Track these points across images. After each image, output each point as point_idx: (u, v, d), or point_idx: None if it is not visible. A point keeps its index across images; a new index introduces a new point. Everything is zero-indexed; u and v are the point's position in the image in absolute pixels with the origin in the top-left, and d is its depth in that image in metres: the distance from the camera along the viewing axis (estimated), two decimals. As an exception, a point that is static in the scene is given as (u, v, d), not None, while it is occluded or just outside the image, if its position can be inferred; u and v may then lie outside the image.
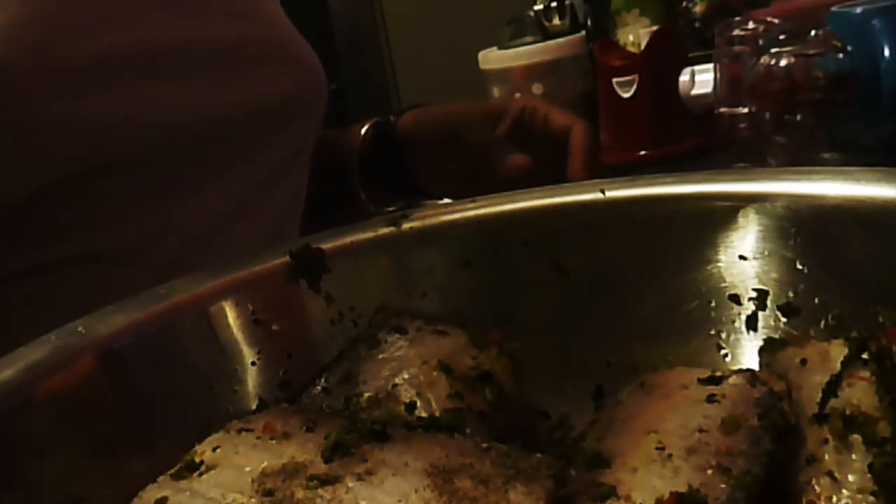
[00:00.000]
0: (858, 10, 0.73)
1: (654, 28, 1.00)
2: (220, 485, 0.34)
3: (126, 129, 0.59)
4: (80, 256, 0.60)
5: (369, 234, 0.50)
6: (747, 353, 0.43)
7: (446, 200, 0.70)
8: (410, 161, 0.81)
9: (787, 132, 0.75)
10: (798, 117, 0.74)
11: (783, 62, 0.74)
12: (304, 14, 0.88)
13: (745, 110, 0.79)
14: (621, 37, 1.05)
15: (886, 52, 0.70)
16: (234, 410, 0.43)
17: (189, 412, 0.42)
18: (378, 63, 2.25)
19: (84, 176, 0.58)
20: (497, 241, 0.49)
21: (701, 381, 0.38)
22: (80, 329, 0.42)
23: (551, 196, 0.49)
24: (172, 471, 0.36)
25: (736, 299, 0.44)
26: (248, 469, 0.35)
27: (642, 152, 0.96)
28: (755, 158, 0.78)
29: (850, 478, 0.32)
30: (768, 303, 0.43)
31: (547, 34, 1.15)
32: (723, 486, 0.32)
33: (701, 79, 0.89)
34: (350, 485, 0.33)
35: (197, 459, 0.36)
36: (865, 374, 0.34)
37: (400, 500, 0.32)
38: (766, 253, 0.43)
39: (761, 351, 0.41)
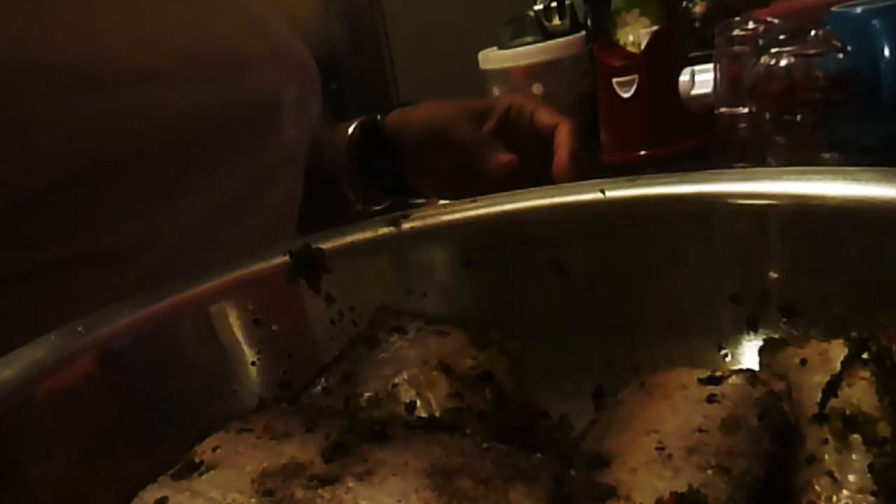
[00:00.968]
0: (858, 10, 0.73)
1: (654, 28, 1.00)
2: (220, 485, 0.34)
3: (120, 129, 0.59)
4: (76, 257, 0.60)
5: (369, 234, 0.50)
6: (747, 353, 0.43)
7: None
8: (398, 160, 0.81)
9: (787, 132, 0.75)
10: (798, 117, 0.74)
11: (783, 62, 0.74)
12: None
13: (745, 110, 0.80)
14: (621, 37, 1.05)
15: (886, 52, 0.70)
16: (234, 410, 0.43)
17: (189, 412, 0.42)
18: (378, 63, 2.25)
19: (80, 176, 0.58)
20: (497, 241, 0.49)
21: (701, 381, 0.38)
22: (80, 329, 0.42)
23: (551, 196, 0.49)
24: (172, 471, 0.36)
25: (736, 299, 0.44)
26: (248, 469, 0.35)
27: (642, 152, 0.97)
28: (755, 158, 0.78)
29: (850, 478, 0.32)
30: (768, 303, 0.43)
31: (547, 34, 1.15)
32: (723, 486, 0.32)
33: (701, 79, 0.89)
34: (350, 485, 0.33)
35: (197, 459, 0.36)
36: (865, 374, 0.34)
37: (400, 500, 0.32)
38: (767, 253, 0.43)
39: (761, 351, 0.41)
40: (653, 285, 0.46)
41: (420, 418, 0.40)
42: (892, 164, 0.41)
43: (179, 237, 0.64)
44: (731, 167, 0.80)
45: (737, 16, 0.88)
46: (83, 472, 0.38)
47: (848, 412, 0.33)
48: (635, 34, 1.03)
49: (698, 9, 1.17)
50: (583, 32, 1.16)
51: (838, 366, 0.35)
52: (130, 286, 0.61)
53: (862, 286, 0.40)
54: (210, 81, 0.65)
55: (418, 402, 0.40)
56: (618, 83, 0.97)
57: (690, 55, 1.01)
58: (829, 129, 0.74)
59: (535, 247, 0.48)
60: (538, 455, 0.35)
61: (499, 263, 0.49)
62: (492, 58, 1.17)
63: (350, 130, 0.82)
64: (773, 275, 0.43)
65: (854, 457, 0.32)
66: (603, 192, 0.47)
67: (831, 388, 0.35)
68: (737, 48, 0.80)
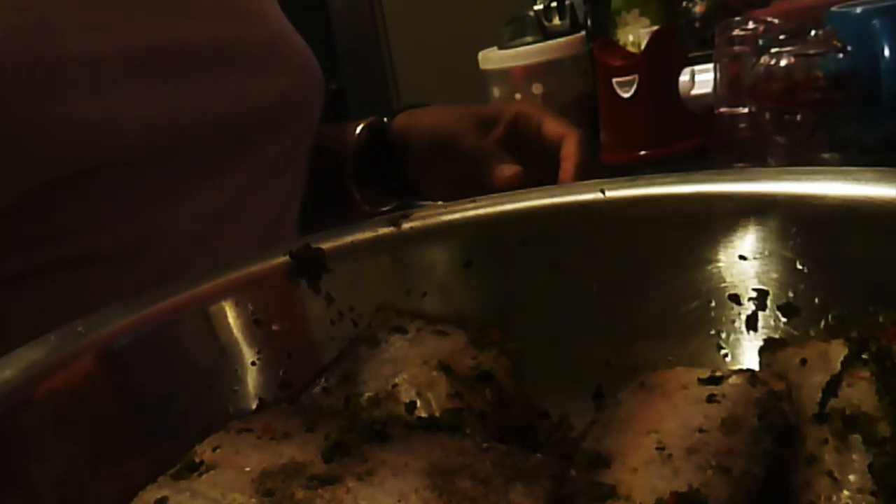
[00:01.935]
0: (858, 10, 0.73)
1: (654, 28, 1.00)
2: (220, 485, 0.34)
3: (119, 130, 0.59)
4: (77, 257, 0.60)
5: (369, 234, 0.50)
6: (747, 353, 0.43)
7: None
8: (404, 163, 0.81)
9: (787, 132, 0.75)
10: (798, 117, 0.74)
11: (783, 62, 0.74)
12: (304, 14, 0.88)
13: (745, 110, 0.80)
14: (621, 37, 1.05)
15: (886, 52, 0.70)
16: (234, 410, 0.43)
17: (189, 412, 0.42)
18: (378, 63, 2.25)
19: (78, 177, 0.58)
20: (497, 241, 0.49)
21: (701, 381, 0.38)
22: (80, 329, 0.42)
23: (551, 196, 0.49)
24: (172, 471, 0.36)
25: (736, 299, 0.44)
26: (248, 469, 0.35)
27: (642, 152, 0.97)
28: (755, 158, 0.78)
29: (850, 478, 0.32)
30: (768, 303, 0.43)
31: (547, 34, 1.15)
32: (723, 486, 0.32)
33: (701, 79, 0.89)
34: (350, 485, 0.33)
35: (197, 459, 0.36)
36: (865, 374, 0.34)
37: (400, 500, 0.32)
38: (766, 253, 0.43)
39: (761, 351, 0.41)
40: (653, 285, 0.46)
41: (420, 418, 0.39)
42: (892, 164, 0.41)
43: (179, 238, 0.64)
44: (731, 167, 0.80)
45: (737, 16, 0.88)
46: (83, 472, 0.38)
47: (848, 412, 0.33)
48: (635, 34, 1.03)
49: (698, 9, 1.17)
50: (583, 32, 1.16)
51: (838, 366, 0.35)
52: (130, 287, 0.61)
53: (862, 286, 0.40)
54: (210, 83, 0.65)
55: (418, 402, 0.40)
56: (618, 83, 0.97)
57: (690, 55, 1.01)
58: (829, 129, 0.74)
59: (535, 247, 0.48)
60: (538, 455, 0.35)
61: (499, 263, 0.49)
62: (492, 58, 1.17)
63: (357, 131, 0.82)
64: (773, 275, 0.43)
65: (854, 457, 0.32)
66: (603, 192, 0.47)
67: (831, 388, 0.35)
68: (737, 48, 0.80)
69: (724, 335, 0.44)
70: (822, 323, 0.41)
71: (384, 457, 0.34)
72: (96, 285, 0.60)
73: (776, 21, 0.80)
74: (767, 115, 0.76)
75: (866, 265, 0.40)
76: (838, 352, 0.36)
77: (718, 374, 0.38)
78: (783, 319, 0.42)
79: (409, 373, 0.42)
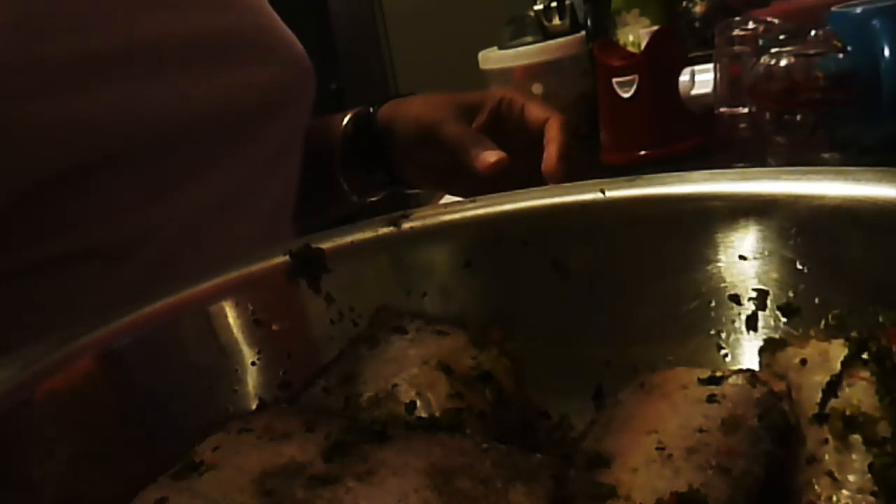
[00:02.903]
0: (858, 10, 0.73)
1: (654, 28, 1.00)
2: (220, 485, 0.34)
3: (112, 126, 0.59)
4: (72, 254, 0.60)
5: (369, 234, 0.50)
6: (747, 353, 0.43)
7: (446, 200, 0.70)
8: (390, 153, 0.81)
9: (787, 132, 0.75)
10: (798, 117, 0.74)
11: (783, 62, 0.74)
12: (304, 14, 0.88)
13: (745, 110, 0.79)
14: (621, 37, 1.05)
15: (886, 52, 0.70)
16: (234, 410, 0.43)
17: (189, 412, 0.42)
18: (378, 63, 2.26)
19: (72, 174, 0.58)
20: (497, 242, 0.49)
21: (701, 381, 0.38)
22: (80, 329, 0.42)
23: (551, 196, 0.49)
24: (172, 471, 0.36)
25: (736, 299, 0.44)
26: (248, 469, 0.35)
27: (642, 152, 0.96)
28: (755, 158, 0.78)
29: (850, 478, 0.32)
30: (768, 303, 0.43)
31: (547, 34, 1.15)
32: (723, 486, 0.32)
33: (701, 79, 0.89)
34: (350, 485, 0.33)
35: (197, 459, 0.36)
36: (865, 374, 0.34)
37: (400, 501, 0.32)
38: (766, 253, 0.43)
39: (761, 351, 0.41)
40: (653, 285, 0.46)
41: (420, 418, 0.39)
42: (892, 164, 0.41)
43: (177, 232, 0.64)
44: (731, 167, 0.80)
45: (737, 16, 0.88)
46: (83, 472, 0.38)
47: (848, 412, 0.33)
48: (635, 34, 1.03)
49: (698, 9, 1.17)
50: (583, 32, 1.16)
51: (838, 366, 0.35)
52: (129, 283, 0.61)
53: (862, 286, 0.40)
54: (201, 76, 0.65)
55: (418, 402, 0.40)
56: (618, 83, 0.97)
57: (690, 55, 1.01)
58: (829, 129, 0.74)
59: (535, 247, 0.48)
60: (538, 455, 0.35)
61: (499, 263, 0.49)
62: (492, 58, 1.17)
63: (344, 122, 0.82)
64: (773, 275, 0.43)
65: (854, 457, 0.32)
66: (603, 192, 0.47)
67: (831, 388, 0.35)
68: (737, 48, 0.80)
69: (724, 335, 0.44)
70: (822, 323, 0.41)
71: (384, 457, 0.34)
72: (90, 282, 0.60)
73: (776, 21, 0.80)
74: (767, 115, 0.76)
75: (866, 265, 0.40)
76: (838, 352, 0.36)
77: (718, 374, 0.38)
78: (783, 319, 0.42)
79: (409, 373, 0.42)
